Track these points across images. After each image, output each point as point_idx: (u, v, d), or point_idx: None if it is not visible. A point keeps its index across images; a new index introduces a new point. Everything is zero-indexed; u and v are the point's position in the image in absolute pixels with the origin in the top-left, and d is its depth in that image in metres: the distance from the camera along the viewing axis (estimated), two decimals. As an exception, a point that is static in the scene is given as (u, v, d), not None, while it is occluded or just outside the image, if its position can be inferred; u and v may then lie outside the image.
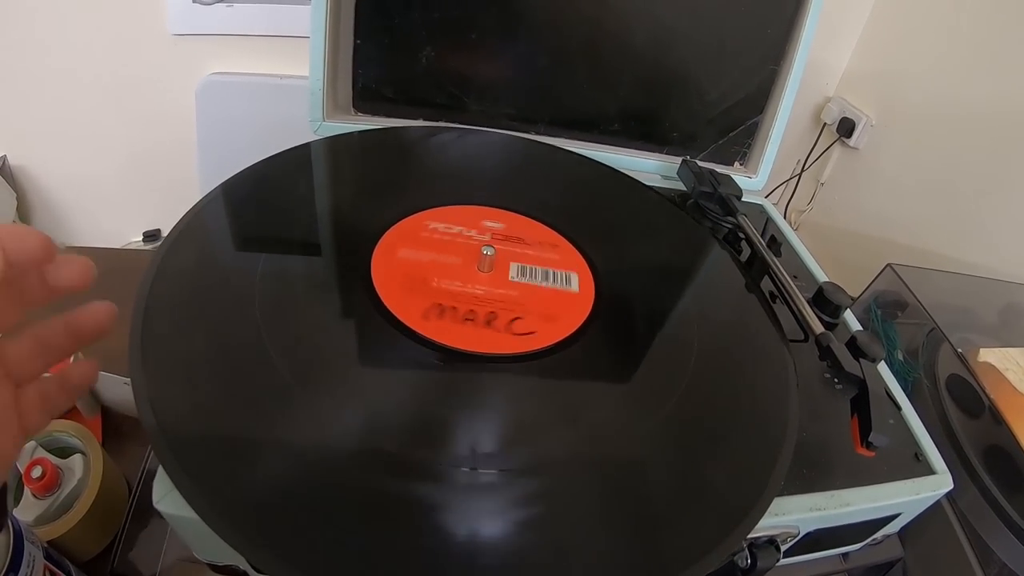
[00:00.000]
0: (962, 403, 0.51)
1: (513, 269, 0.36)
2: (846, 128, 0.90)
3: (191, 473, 0.22)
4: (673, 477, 0.27)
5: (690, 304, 0.36)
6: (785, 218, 0.52)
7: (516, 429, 0.27)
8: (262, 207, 0.37)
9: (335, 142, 0.44)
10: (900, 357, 0.54)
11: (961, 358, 0.52)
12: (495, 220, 0.39)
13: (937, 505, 0.35)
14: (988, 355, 0.53)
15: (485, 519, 0.23)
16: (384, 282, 0.33)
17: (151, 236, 1.01)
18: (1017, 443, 0.47)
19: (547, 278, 0.35)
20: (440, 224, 0.38)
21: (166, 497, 0.23)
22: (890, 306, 0.61)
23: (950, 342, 0.53)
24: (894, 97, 0.86)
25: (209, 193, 0.36)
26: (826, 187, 0.97)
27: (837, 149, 0.94)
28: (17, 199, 0.91)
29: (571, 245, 0.39)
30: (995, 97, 0.71)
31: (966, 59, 0.75)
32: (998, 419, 0.49)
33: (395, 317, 0.30)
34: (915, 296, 0.57)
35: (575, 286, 0.35)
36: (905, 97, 0.84)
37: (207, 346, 0.27)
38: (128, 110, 0.87)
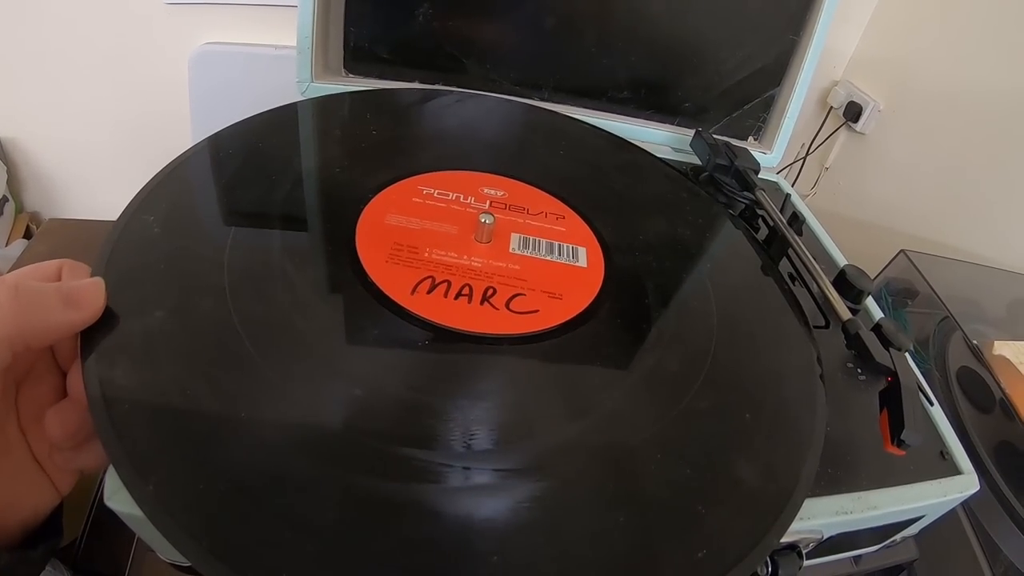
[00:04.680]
0: (973, 397, 0.49)
1: (514, 240, 0.32)
2: (853, 113, 0.88)
3: (140, 468, 0.18)
4: (690, 478, 0.24)
5: (707, 285, 0.33)
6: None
7: (515, 420, 0.24)
8: (235, 171, 0.33)
9: (321, 103, 0.40)
10: (911, 347, 0.52)
11: (975, 351, 0.50)
12: (495, 187, 0.36)
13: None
14: (1003, 348, 0.51)
15: (478, 521, 0.20)
16: (369, 251, 0.29)
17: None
18: (1031, 440, 0.45)
19: (552, 251, 0.32)
20: (434, 189, 0.35)
21: (118, 494, 0.20)
22: (900, 294, 0.58)
23: (964, 333, 0.51)
24: (903, 82, 0.83)
25: (178, 157, 0.33)
26: (831, 172, 0.94)
27: (843, 134, 0.92)
28: (8, 173, 0.88)
29: (578, 216, 0.36)
30: (1006, 84, 0.69)
31: (977, 44, 0.73)
32: (1011, 415, 0.47)
33: (380, 290, 0.27)
34: (929, 285, 0.55)
35: (583, 261, 0.32)
36: (914, 82, 0.81)
37: (168, 321, 0.24)
38: (120, 81, 0.84)
